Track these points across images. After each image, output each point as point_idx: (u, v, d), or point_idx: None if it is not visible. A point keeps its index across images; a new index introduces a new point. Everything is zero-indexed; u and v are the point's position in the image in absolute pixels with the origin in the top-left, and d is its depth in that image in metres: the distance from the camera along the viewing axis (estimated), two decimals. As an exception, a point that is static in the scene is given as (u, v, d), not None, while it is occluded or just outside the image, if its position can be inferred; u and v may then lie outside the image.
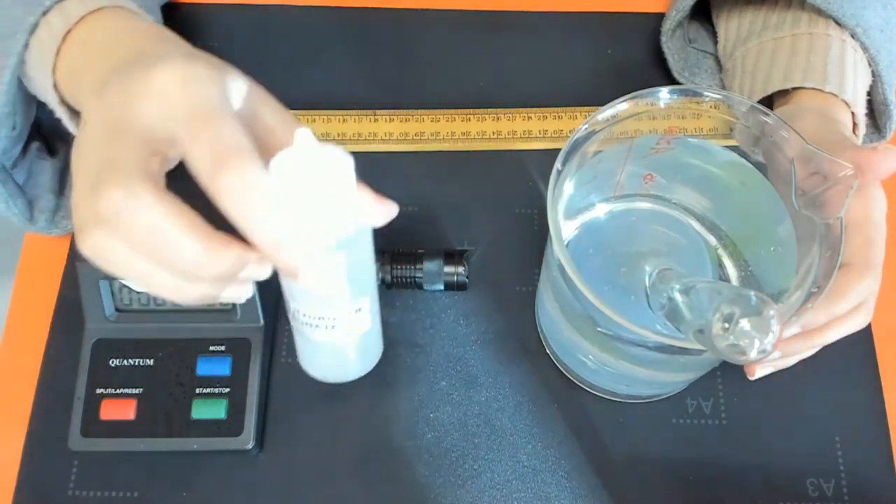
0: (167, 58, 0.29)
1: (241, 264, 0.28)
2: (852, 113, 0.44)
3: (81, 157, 0.29)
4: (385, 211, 0.33)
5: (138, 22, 0.37)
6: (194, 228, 0.27)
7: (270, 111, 0.32)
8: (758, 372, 0.41)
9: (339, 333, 0.34)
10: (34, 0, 0.37)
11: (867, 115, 0.46)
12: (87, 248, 0.28)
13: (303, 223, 0.28)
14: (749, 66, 0.48)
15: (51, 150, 0.48)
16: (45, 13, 0.37)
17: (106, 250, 0.28)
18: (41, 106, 0.42)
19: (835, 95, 0.43)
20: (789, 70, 0.45)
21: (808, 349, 0.40)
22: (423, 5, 0.57)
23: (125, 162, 0.27)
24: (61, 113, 0.39)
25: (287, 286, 0.33)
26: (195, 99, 0.28)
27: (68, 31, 0.36)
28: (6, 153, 0.42)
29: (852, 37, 0.45)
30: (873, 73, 0.45)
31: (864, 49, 0.45)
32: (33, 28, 0.37)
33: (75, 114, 0.39)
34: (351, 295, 0.33)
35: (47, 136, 0.48)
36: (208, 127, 0.27)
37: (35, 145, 0.47)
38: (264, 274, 0.30)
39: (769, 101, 0.47)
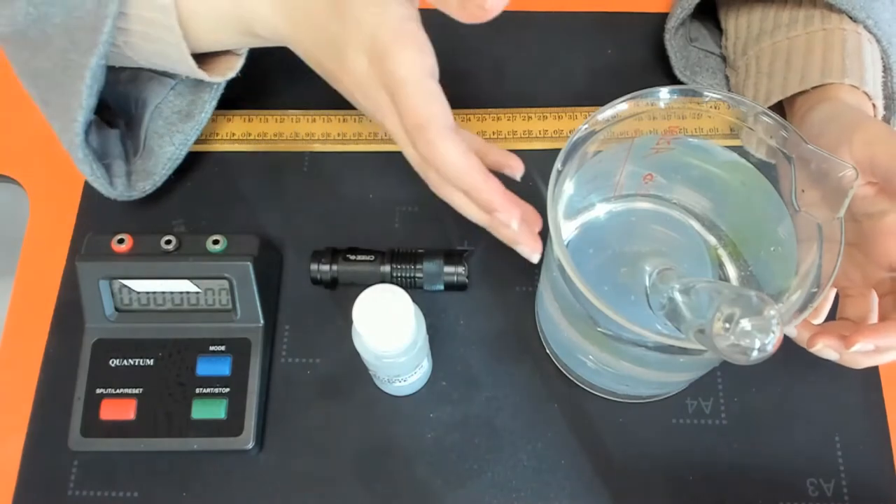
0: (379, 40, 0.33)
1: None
2: (873, 105, 0.44)
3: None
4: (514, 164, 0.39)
5: None
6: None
7: None
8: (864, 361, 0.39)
9: (407, 382, 0.44)
10: None
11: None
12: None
13: (380, 345, 0.38)
14: (764, 67, 0.47)
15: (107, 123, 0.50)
16: None
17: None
18: None
19: (856, 87, 0.43)
20: (806, 70, 0.45)
21: None
22: (423, 5, 0.57)
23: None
24: (187, 56, 0.41)
25: (370, 366, 0.43)
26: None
27: None
28: (91, 113, 0.43)
29: (866, 30, 0.45)
30: (884, 66, 0.45)
31: (878, 41, 0.45)
32: None
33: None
34: (414, 366, 0.43)
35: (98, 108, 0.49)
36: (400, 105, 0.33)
37: (94, 117, 0.47)
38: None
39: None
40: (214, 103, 0.48)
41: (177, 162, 0.49)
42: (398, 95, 0.33)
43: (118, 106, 0.49)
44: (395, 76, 0.32)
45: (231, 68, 0.45)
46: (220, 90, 0.48)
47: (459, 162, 0.33)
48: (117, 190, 0.47)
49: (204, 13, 0.39)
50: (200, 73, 0.42)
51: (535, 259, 0.36)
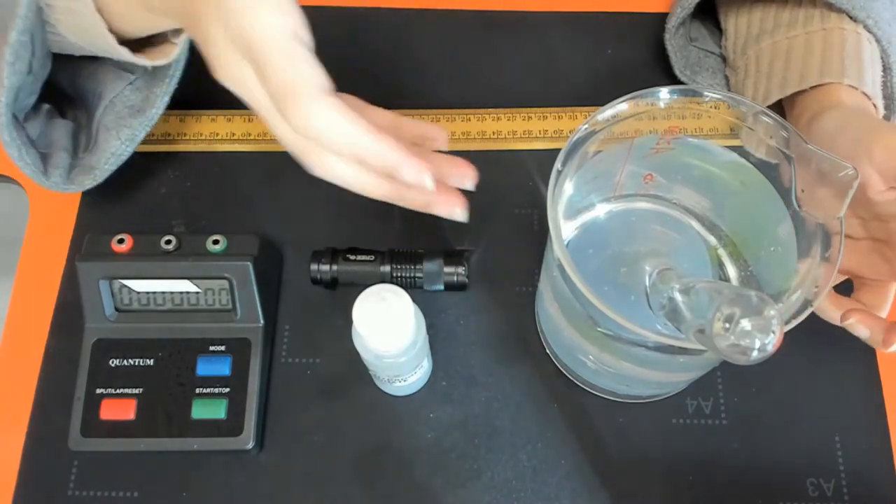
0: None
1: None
2: (873, 105, 0.44)
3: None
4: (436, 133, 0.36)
5: None
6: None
7: None
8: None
9: (407, 382, 0.44)
10: None
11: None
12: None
13: (380, 346, 0.38)
14: (763, 67, 0.47)
15: (61, 114, 0.49)
16: None
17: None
18: (53, 69, 0.43)
19: (854, 88, 0.43)
20: (805, 70, 0.45)
21: None
22: (423, 5, 0.57)
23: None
24: (109, 40, 0.40)
25: (370, 366, 0.43)
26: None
27: None
28: (19, 102, 0.42)
29: (866, 29, 0.45)
30: (884, 65, 0.45)
31: (877, 41, 0.45)
32: None
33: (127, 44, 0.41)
34: (414, 367, 0.42)
35: (58, 100, 0.49)
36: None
37: (46, 107, 0.47)
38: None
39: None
40: (166, 99, 0.47)
41: (121, 158, 0.47)
42: (260, 61, 0.29)
43: (79, 98, 0.49)
44: (254, 39, 0.29)
45: (165, 55, 0.43)
46: (172, 85, 0.46)
47: (341, 123, 0.29)
48: (51, 180, 0.46)
49: None
50: (122, 51, 0.41)
51: (459, 216, 0.32)
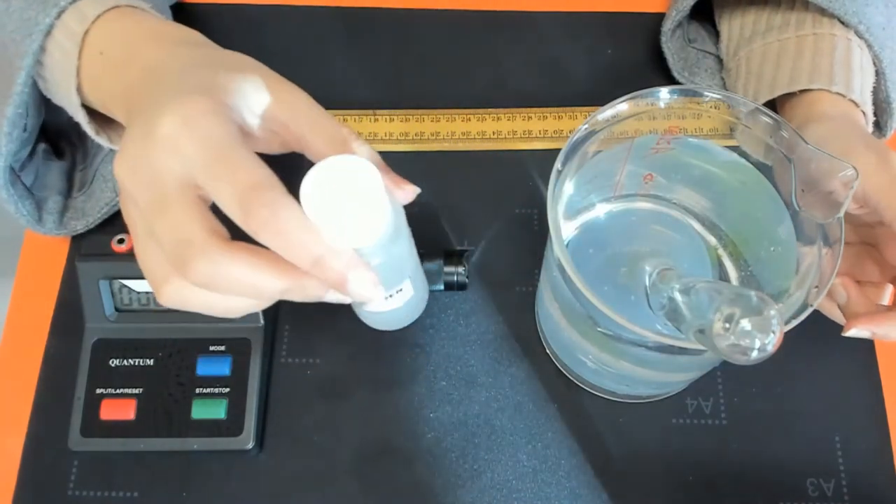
0: (166, 102, 0.29)
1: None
2: (863, 112, 0.44)
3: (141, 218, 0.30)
4: (406, 194, 0.34)
5: (154, 23, 0.37)
6: (267, 266, 0.29)
7: (298, 113, 0.33)
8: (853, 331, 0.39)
9: (387, 305, 0.39)
10: (49, 1, 0.37)
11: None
12: (170, 302, 0.32)
13: (339, 234, 0.29)
14: (754, 68, 0.48)
15: (57, 152, 0.49)
16: (60, 14, 0.37)
17: (189, 301, 0.32)
18: (48, 108, 0.43)
19: (842, 96, 0.43)
20: (795, 72, 0.45)
21: None
22: (423, 5, 0.57)
23: (191, 232, 0.29)
24: (81, 117, 0.39)
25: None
26: (203, 142, 0.29)
27: (86, 32, 0.37)
28: (15, 155, 0.42)
29: (857, 35, 0.45)
30: (877, 71, 0.45)
31: (869, 47, 0.45)
32: (49, 29, 0.37)
33: (94, 117, 0.40)
34: (392, 283, 0.37)
35: (53, 138, 0.48)
36: (224, 169, 0.28)
37: (42, 147, 0.47)
38: (322, 295, 0.31)
39: (773, 101, 0.47)
40: None
41: (114, 208, 0.48)
42: (224, 155, 0.28)
43: (76, 136, 0.49)
44: (214, 135, 0.29)
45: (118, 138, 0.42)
46: None
47: (307, 224, 0.28)
48: (45, 227, 0.46)
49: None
50: (80, 114, 0.39)
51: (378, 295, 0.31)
